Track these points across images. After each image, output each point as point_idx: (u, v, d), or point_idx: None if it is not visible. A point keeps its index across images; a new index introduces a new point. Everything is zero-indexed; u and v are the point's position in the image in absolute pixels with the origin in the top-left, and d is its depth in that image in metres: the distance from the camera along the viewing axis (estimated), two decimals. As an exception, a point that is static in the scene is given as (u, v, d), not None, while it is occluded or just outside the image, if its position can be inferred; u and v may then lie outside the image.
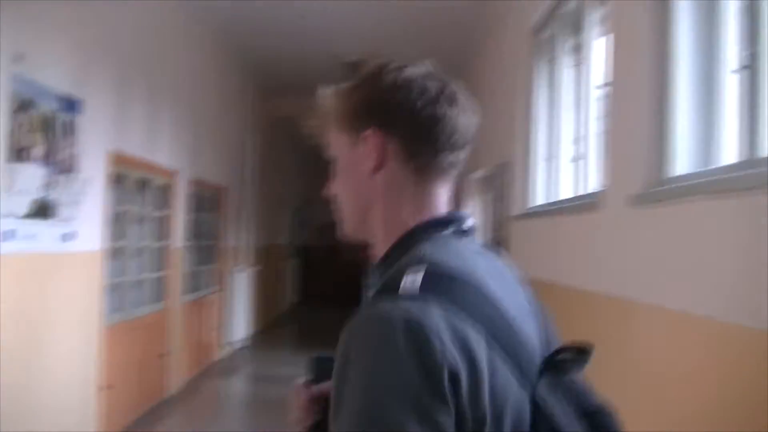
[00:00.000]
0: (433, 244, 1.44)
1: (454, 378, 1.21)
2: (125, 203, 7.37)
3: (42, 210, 5.30)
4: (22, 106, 5.00)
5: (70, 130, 5.74)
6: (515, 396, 1.29)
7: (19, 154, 4.97)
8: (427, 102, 1.48)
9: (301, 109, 11.64)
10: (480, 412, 1.23)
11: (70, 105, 5.74)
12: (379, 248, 1.54)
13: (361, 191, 1.54)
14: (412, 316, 1.23)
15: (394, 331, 1.22)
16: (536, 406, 1.32)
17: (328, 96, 1.58)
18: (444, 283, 1.32)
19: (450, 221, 1.51)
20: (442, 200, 1.54)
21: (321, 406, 1.65)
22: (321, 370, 1.68)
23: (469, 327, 1.27)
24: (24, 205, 5.06)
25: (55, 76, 5.50)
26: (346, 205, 1.59)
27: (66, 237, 5.72)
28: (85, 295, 6.27)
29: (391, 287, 1.31)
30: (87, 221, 6.13)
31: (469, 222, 1.54)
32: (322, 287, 21.24)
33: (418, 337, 1.21)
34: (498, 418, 1.26)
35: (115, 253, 7.09)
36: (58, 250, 5.65)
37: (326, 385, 1.58)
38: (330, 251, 20.81)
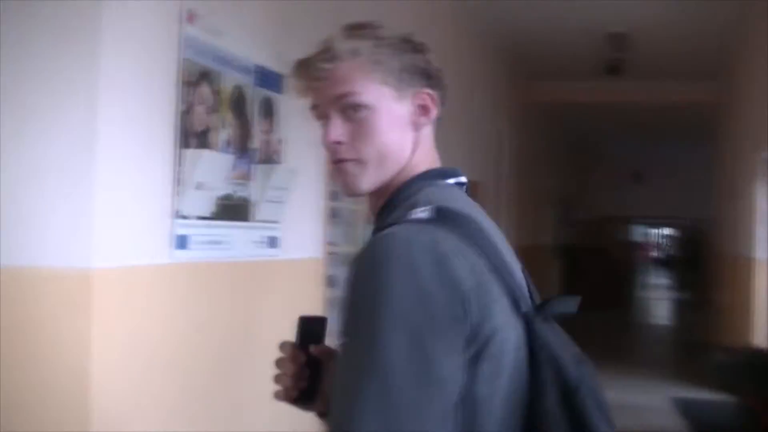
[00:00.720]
0: (439, 189, 1.58)
1: (467, 297, 1.33)
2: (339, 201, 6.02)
3: (232, 210, 4.22)
4: (201, 77, 3.92)
5: (268, 110, 4.60)
6: (513, 323, 1.40)
7: (197, 138, 3.89)
8: (439, 71, 1.68)
9: (564, 94, 10.71)
10: (487, 331, 1.34)
11: (268, 79, 4.56)
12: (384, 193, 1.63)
13: (400, 144, 1.62)
14: (427, 236, 1.36)
15: (410, 248, 1.33)
16: (533, 335, 1.41)
17: (364, 47, 1.60)
18: (451, 217, 1.45)
19: (450, 173, 1.67)
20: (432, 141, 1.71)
21: (312, 372, 1.66)
22: (309, 333, 1.68)
23: (476, 255, 1.39)
24: (206, 202, 3.97)
25: (244, 44, 4.36)
26: (376, 156, 1.61)
27: (268, 242, 4.61)
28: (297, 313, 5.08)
29: (401, 219, 1.45)
30: (295, 222, 4.97)
31: (464, 178, 1.69)
32: (588, 289, 19.65)
33: (434, 256, 1.33)
34: (501, 341, 1.36)
35: (333, 260, 5.83)
36: (257, 257, 4.54)
37: (318, 349, 1.67)
38: (597, 251, 19.35)
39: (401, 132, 1.61)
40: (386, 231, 1.40)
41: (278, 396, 1.70)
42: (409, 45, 1.64)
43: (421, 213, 1.44)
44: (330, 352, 1.68)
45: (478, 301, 1.34)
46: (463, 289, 1.33)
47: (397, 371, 1.26)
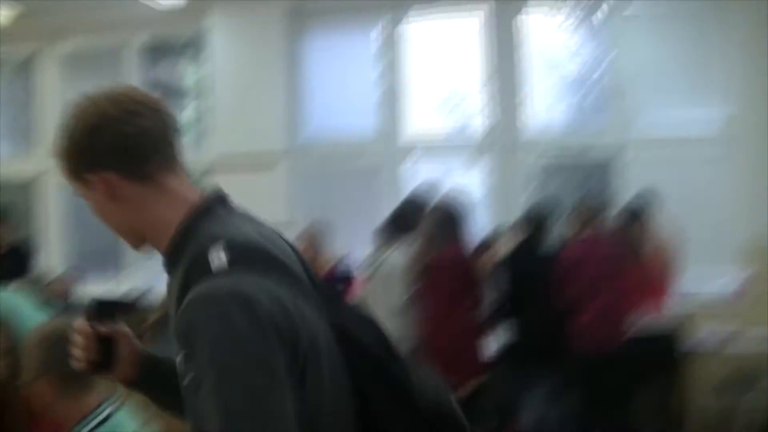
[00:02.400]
0: (215, 223, 1.71)
1: (277, 329, 1.53)
2: None
3: None
4: None
5: None
6: (322, 327, 1.66)
7: None
8: (127, 122, 1.72)
9: None
10: (302, 348, 1.57)
11: None
12: (157, 244, 1.78)
13: (121, 220, 1.79)
14: (234, 289, 1.54)
15: (225, 305, 1.52)
16: (337, 330, 1.70)
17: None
18: (243, 254, 1.62)
19: (214, 201, 1.78)
20: (183, 188, 1.78)
21: (102, 346, 1.90)
22: (102, 313, 1.91)
23: (275, 284, 1.60)
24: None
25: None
26: (115, 230, 1.82)
27: None
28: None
29: (203, 269, 1.60)
30: None
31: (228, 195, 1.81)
32: None
33: (246, 306, 1.52)
34: (315, 349, 1.60)
35: None
36: None
37: (107, 327, 1.91)
38: None
39: (107, 211, 1.79)
40: (202, 291, 1.56)
41: (74, 365, 1.93)
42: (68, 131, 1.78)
43: (218, 261, 1.59)
44: (123, 332, 1.96)
45: (288, 326, 1.55)
46: (276, 325, 1.53)
47: (237, 419, 1.47)
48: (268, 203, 8.52)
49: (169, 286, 1.75)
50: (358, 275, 6.65)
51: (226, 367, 1.49)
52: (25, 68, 10.55)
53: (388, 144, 8.73)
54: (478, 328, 6.11)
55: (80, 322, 1.92)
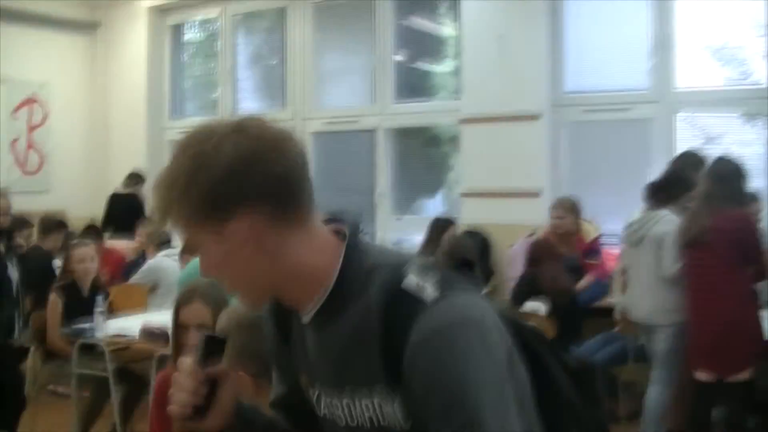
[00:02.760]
0: (377, 255, 1.61)
1: (506, 351, 1.52)
2: None
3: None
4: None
5: None
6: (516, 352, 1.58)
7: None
8: (270, 161, 1.51)
9: None
10: (522, 374, 1.56)
11: None
12: (301, 299, 1.60)
13: (257, 274, 1.57)
14: (465, 315, 1.49)
15: (463, 336, 1.46)
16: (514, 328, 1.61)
17: (162, 189, 1.56)
18: (441, 277, 1.53)
19: (355, 231, 1.62)
20: (323, 228, 1.62)
21: (207, 390, 1.70)
22: (211, 351, 1.71)
23: (481, 298, 1.57)
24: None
25: None
26: (238, 286, 1.62)
27: None
28: None
29: (411, 303, 1.49)
30: None
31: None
32: None
33: (480, 328, 1.48)
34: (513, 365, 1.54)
35: None
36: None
37: (216, 368, 1.70)
38: None
39: (240, 263, 1.57)
40: (431, 321, 1.47)
41: (172, 411, 1.69)
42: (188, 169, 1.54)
43: (427, 290, 1.50)
44: (226, 373, 1.73)
45: (505, 345, 1.53)
46: (500, 348, 1.51)
47: None
48: (528, 159, 8.22)
49: (323, 338, 1.63)
50: (622, 241, 6.12)
51: (478, 400, 1.45)
52: (278, 20, 10.59)
53: (659, 96, 8.08)
54: (758, 303, 5.44)
55: (189, 364, 1.71)
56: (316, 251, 1.58)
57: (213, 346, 1.73)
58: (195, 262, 5.69)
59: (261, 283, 1.59)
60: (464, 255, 5.55)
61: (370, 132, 9.64)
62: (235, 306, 2.45)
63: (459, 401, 1.44)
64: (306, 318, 1.62)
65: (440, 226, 7.54)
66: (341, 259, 1.58)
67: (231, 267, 1.58)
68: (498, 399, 1.46)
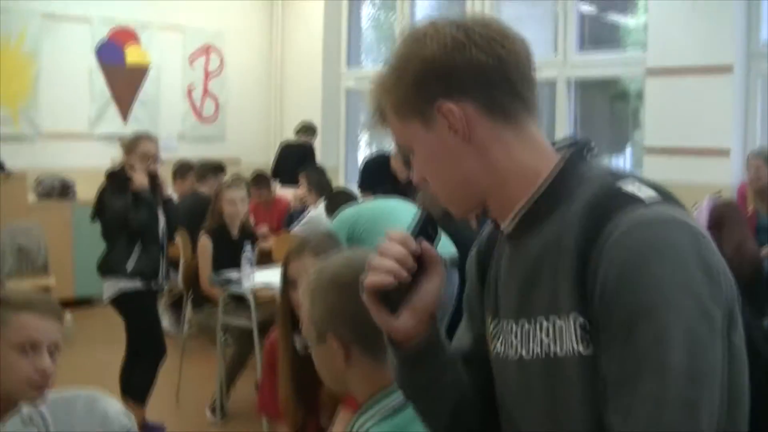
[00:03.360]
0: (599, 168, 1.47)
1: (723, 274, 1.32)
2: None
3: None
4: None
5: None
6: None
7: None
8: (483, 49, 1.43)
9: None
10: (732, 299, 1.34)
11: None
12: (508, 203, 1.49)
13: (466, 170, 1.48)
14: (683, 220, 1.33)
15: (675, 234, 1.29)
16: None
17: (374, 90, 1.54)
18: (665, 192, 1.40)
19: (584, 147, 1.51)
20: (545, 140, 1.51)
21: (414, 264, 1.50)
22: (425, 229, 1.54)
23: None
24: None
25: None
26: (449, 188, 1.53)
27: None
28: None
29: (625, 199, 1.35)
30: None
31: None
32: None
33: (695, 240, 1.31)
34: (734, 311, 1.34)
35: None
36: None
37: (429, 247, 1.53)
38: None
39: (451, 157, 1.49)
40: (631, 220, 1.31)
41: (370, 284, 1.48)
42: (416, 50, 1.47)
43: (645, 193, 1.37)
44: (436, 259, 1.54)
45: (725, 276, 1.33)
46: (719, 269, 1.32)
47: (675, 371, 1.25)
48: (718, 115, 7.65)
49: (517, 251, 1.50)
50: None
51: (674, 309, 1.25)
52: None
53: None
54: None
55: (404, 233, 1.52)
56: (530, 151, 1.48)
57: (428, 227, 1.55)
58: (343, 213, 5.50)
59: (469, 183, 1.50)
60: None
61: (551, 83, 9.15)
62: (333, 262, 2.14)
63: (647, 310, 1.26)
64: (507, 226, 1.51)
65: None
66: (556, 163, 1.47)
67: (440, 163, 1.51)
68: (699, 329, 1.26)
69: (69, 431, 3.03)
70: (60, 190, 9.33)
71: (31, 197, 9.21)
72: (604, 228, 1.33)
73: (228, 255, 6.10)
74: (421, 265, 1.52)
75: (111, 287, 5.57)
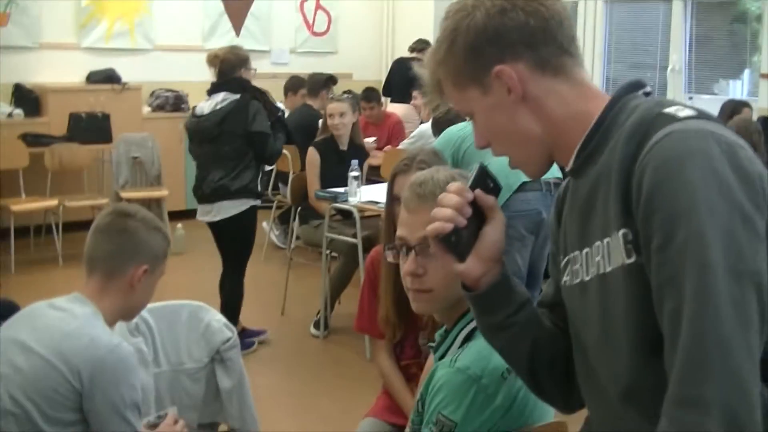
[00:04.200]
0: (641, 99, 1.54)
1: (762, 183, 1.33)
2: None
3: None
4: None
5: None
6: None
7: None
8: (526, 10, 1.52)
9: None
10: None
11: None
12: (570, 148, 1.56)
13: (526, 126, 1.57)
14: (717, 131, 1.36)
15: (707, 143, 1.33)
16: None
17: (429, 64, 1.61)
18: (708, 114, 1.43)
19: (635, 85, 1.58)
20: (593, 85, 1.60)
21: (472, 223, 1.64)
22: (484, 183, 1.67)
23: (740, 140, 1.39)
24: None
25: None
26: (514, 148, 1.62)
27: None
28: None
29: (664, 120, 1.40)
30: None
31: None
32: None
33: (730, 148, 1.33)
34: None
35: None
36: None
37: (486, 198, 1.66)
38: None
39: (513, 119, 1.58)
40: (666, 133, 1.37)
41: (431, 230, 1.63)
42: (462, 20, 1.56)
43: (683, 111, 1.42)
44: (493, 206, 1.68)
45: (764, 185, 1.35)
46: (755, 176, 1.33)
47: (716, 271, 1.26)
48: None
49: (577, 188, 1.60)
50: None
51: (710, 210, 1.28)
52: None
53: None
54: None
55: (459, 184, 1.68)
56: (583, 99, 1.57)
57: (486, 181, 1.68)
58: (450, 129, 5.41)
59: (531, 138, 1.59)
60: (748, 140, 4.97)
61: (668, 2, 8.82)
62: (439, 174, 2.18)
63: (683, 213, 1.30)
64: (571, 166, 1.59)
65: (730, 109, 6.78)
66: (607, 102, 1.55)
67: (501, 125, 1.59)
68: (737, 231, 1.28)
69: (173, 341, 3.10)
70: (173, 103, 9.46)
71: (146, 110, 9.37)
72: (643, 146, 1.39)
73: (337, 169, 6.10)
74: (482, 215, 1.67)
75: (235, 207, 5.63)
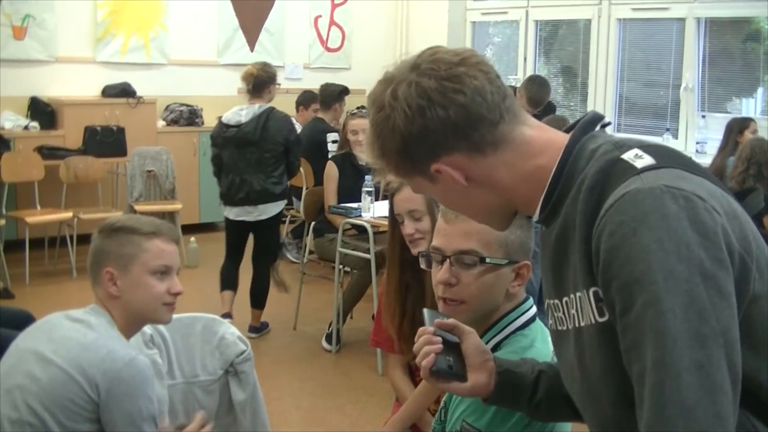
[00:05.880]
0: (607, 140, 1.49)
1: (725, 234, 1.30)
2: None
3: None
4: None
5: None
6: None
7: None
8: (444, 105, 1.47)
9: None
10: (747, 250, 1.34)
11: None
12: (532, 204, 1.54)
13: (482, 201, 1.57)
14: (673, 185, 1.32)
15: (662, 201, 1.30)
16: None
17: (369, 154, 1.60)
18: (667, 154, 1.42)
19: (591, 122, 1.54)
20: (543, 131, 1.55)
21: (450, 350, 1.73)
22: (434, 317, 1.78)
23: (712, 185, 1.38)
24: None
25: None
26: (477, 217, 1.66)
27: None
28: None
29: (623, 171, 1.38)
30: None
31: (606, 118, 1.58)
32: None
33: (688, 203, 1.30)
34: (762, 264, 1.36)
35: None
36: None
37: (445, 323, 1.77)
38: None
39: (463, 198, 1.58)
40: (632, 187, 1.34)
41: (424, 368, 1.71)
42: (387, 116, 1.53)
43: (641, 159, 1.40)
44: (459, 328, 1.78)
45: (738, 232, 1.33)
46: (717, 230, 1.30)
47: (678, 337, 1.24)
48: None
49: (546, 235, 1.58)
50: None
51: (667, 274, 1.26)
52: None
53: None
54: None
55: (422, 330, 1.78)
56: (531, 156, 1.53)
57: (438, 315, 1.83)
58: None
59: (494, 208, 1.60)
60: (760, 159, 5.00)
61: (681, 21, 8.83)
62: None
63: (639, 280, 1.28)
64: (536, 218, 1.57)
65: (738, 127, 6.81)
66: (562, 150, 1.51)
67: (457, 203, 1.63)
68: (697, 291, 1.26)
69: (188, 353, 3.12)
70: (188, 117, 9.51)
71: (160, 124, 9.42)
72: (602, 202, 1.38)
73: (355, 184, 6.15)
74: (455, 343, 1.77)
75: (277, 207, 6.36)
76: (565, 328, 1.56)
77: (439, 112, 1.47)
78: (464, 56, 1.51)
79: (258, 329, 6.32)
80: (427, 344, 1.72)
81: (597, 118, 1.56)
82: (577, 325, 1.49)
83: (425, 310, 1.81)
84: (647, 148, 1.43)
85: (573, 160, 1.49)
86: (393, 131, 1.51)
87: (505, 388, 1.76)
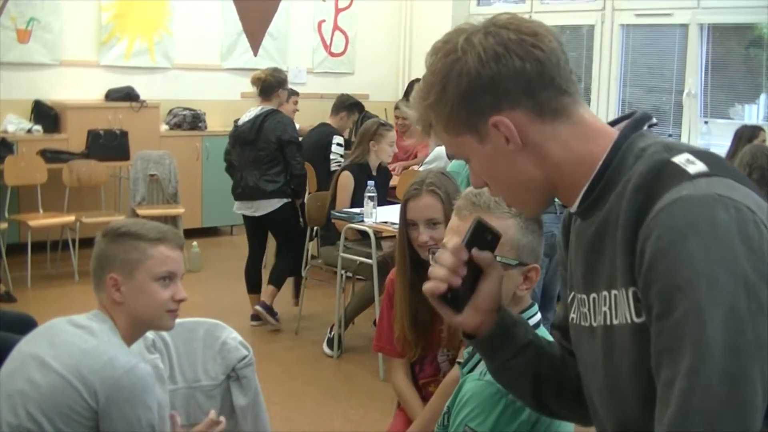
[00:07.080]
0: (656, 141, 1.48)
1: None
2: None
3: None
4: None
5: None
6: None
7: None
8: (521, 55, 1.45)
9: None
10: None
11: None
12: (573, 190, 1.53)
13: (526, 172, 1.53)
14: (726, 194, 1.31)
15: (714, 210, 1.29)
16: None
17: (418, 107, 1.55)
18: (719, 162, 1.41)
19: (641, 120, 1.54)
20: (597, 120, 1.55)
21: (468, 277, 1.63)
22: (480, 239, 1.64)
23: (762, 198, 1.37)
24: None
25: None
26: (513, 192, 1.59)
27: None
28: None
29: (674, 175, 1.37)
30: None
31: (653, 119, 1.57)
32: None
33: (738, 213, 1.29)
34: None
35: None
36: None
37: (482, 255, 1.63)
38: None
39: (511, 165, 1.53)
40: (683, 194, 1.33)
41: (427, 290, 1.63)
42: (455, 62, 1.48)
43: (694, 165, 1.38)
44: (494, 266, 1.66)
45: None
46: (764, 244, 1.29)
47: (713, 345, 1.25)
48: None
49: (583, 229, 1.56)
50: None
51: (711, 283, 1.26)
52: None
53: None
54: None
55: (457, 243, 1.64)
56: (585, 139, 1.51)
57: (484, 235, 1.65)
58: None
59: (532, 183, 1.55)
60: (762, 163, 4.99)
61: (684, 27, 8.83)
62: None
63: (683, 286, 1.28)
64: (575, 209, 1.56)
65: (748, 134, 6.78)
66: (612, 143, 1.49)
67: (499, 170, 1.55)
68: (739, 304, 1.25)
69: (189, 358, 3.12)
70: (191, 121, 9.51)
71: (163, 128, 9.43)
72: (652, 205, 1.36)
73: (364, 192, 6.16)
74: (479, 268, 1.65)
75: (271, 205, 6.57)
76: (588, 324, 1.56)
77: (515, 62, 1.45)
78: (539, 26, 1.50)
79: (268, 309, 6.44)
80: (449, 269, 1.61)
81: (645, 118, 1.54)
82: (608, 322, 1.48)
83: (478, 219, 1.67)
84: (699, 154, 1.41)
85: (621, 156, 1.48)
86: (460, 74, 1.46)
87: (491, 339, 1.71)
